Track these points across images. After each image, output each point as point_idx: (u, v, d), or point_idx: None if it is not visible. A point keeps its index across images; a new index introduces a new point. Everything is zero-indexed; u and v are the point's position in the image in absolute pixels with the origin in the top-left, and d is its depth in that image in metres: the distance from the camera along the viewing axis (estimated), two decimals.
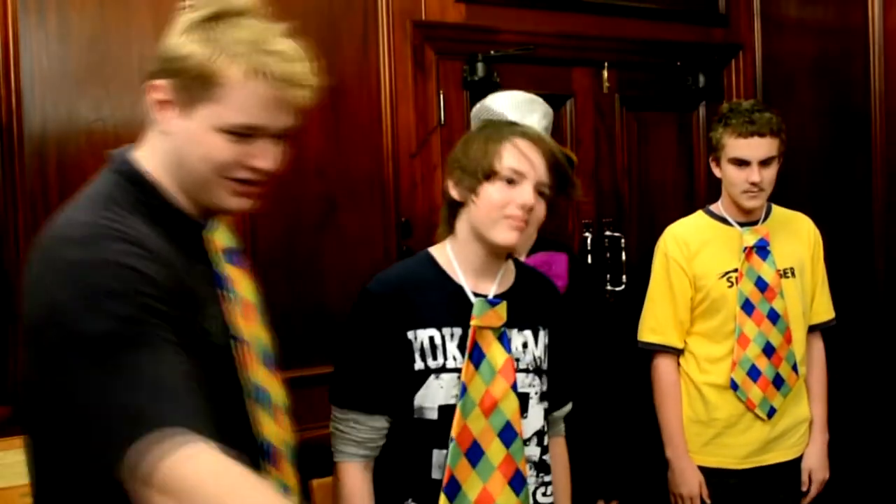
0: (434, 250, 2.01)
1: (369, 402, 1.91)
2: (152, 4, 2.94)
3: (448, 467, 1.83)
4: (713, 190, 3.16)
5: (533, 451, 1.96)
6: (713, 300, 2.79)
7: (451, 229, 2.00)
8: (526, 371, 1.95)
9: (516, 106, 2.50)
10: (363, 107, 3.25)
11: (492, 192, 1.87)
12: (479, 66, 3.47)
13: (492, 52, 3.49)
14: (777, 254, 2.81)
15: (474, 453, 1.84)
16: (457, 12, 3.50)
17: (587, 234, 3.72)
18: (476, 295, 1.92)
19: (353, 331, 1.95)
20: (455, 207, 1.98)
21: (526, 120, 2.45)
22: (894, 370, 3.66)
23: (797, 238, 2.91)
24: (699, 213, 2.96)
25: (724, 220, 2.87)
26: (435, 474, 1.87)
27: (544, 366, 2.01)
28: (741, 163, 2.76)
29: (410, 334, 1.88)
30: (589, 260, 3.70)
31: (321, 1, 3.21)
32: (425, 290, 1.92)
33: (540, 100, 2.58)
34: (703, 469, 2.81)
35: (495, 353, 1.88)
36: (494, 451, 1.85)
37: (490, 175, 1.87)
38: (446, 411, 1.86)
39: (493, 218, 1.87)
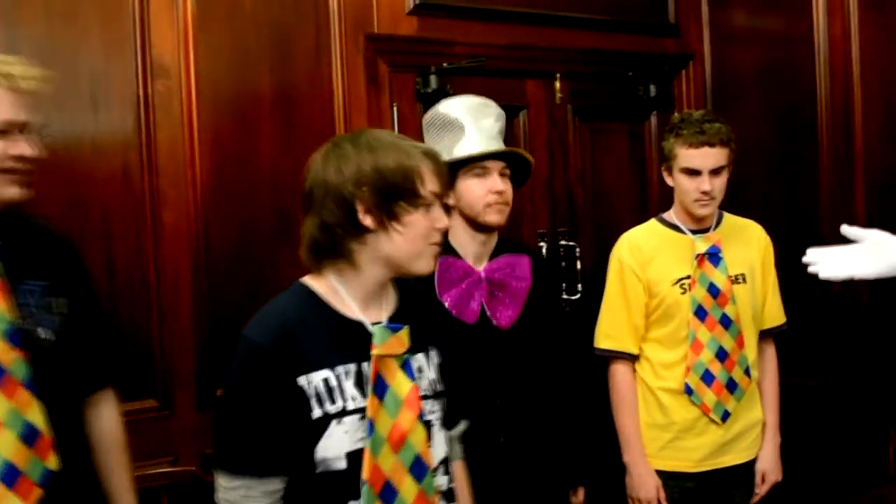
0: (311, 281, 1.83)
1: (262, 465, 1.70)
2: (102, 20, 2.93)
3: None
4: (665, 198, 3.20)
5: (441, 480, 1.83)
6: (667, 306, 2.82)
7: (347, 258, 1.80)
8: (426, 397, 1.81)
9: (470, 110, 2.52)
10: (316, 120, 3.26)
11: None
12: (432, 78, 3.48)
13: (444, 64, 3.51)
14: (729, 260, 2.85)
15: (388, 494, 1.71)
16: (409, 25, 3.52)
17: (542, 243, 3.75)
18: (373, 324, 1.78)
19: (239, 387, 1.73)
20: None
21: (480, 123, 2.51)
22: (844, 373, 3.72)
23: (748, 244, 2.95)
24: (652, 221, 2.99)
25: (676, 228, 2.91)
26: None
27: (440, 388, 1.88)
28: (692, 172, 2.79)
29: (302, 381, 1.69)
30: None
31: (273, 15, 3.21)
32: (310, 328, 1.74)
33: (492, 103, 2.61)
34: (660, 473, 2.83)
35: (399, 383, 1.74)
36: (407, 488, 1.73)
37: None
38: (355, 457, 1.70)
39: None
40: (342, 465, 1.69)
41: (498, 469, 2.48)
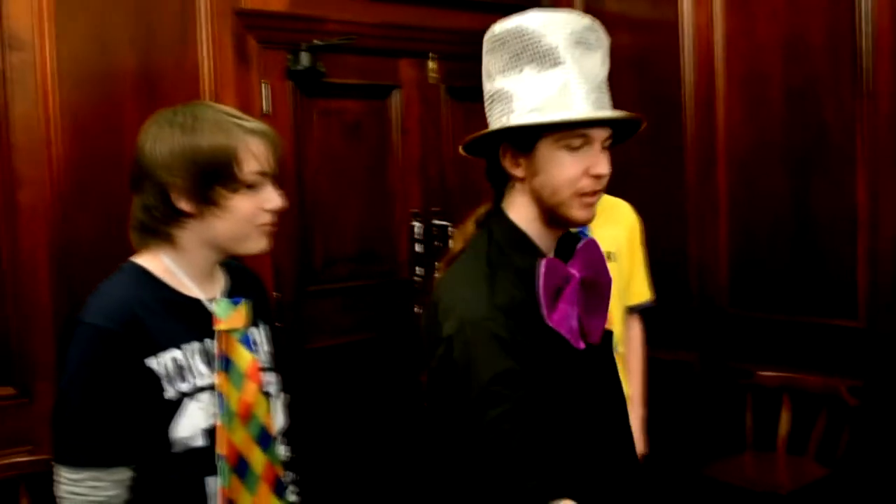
0: (144, 261, 1.74)
1: (111, 455, 1.63)
2: None
3: (221, 489, 1.68)
4: None
5: (281, 450, 1.83)
6: None
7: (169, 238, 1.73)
8: (264, 369, 1.81)
9: (572, 40, 1.61)
10: (182, 97, 3.15)
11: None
12: (304, 55, 3.43)
13: (316, 41, 3.46)
14: (597, 238, 2.87)
15: (242, 467, 1.71)
16: (280, 0, 3.45)
17: (415, 223, 3.75)
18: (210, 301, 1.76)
19: (84, 375, 1.62)
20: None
21: (585, 64, 1.63)
22: (709, 348, 3.86)
23: (616, 223, 3.00)
24: None
25: None
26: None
27: (274, 360, 1.89)
28: None
29: (151, 362, 1.64)
30: (418, 249, 3.74)
31: None
32: (152, 308, 1.67)
33: (598, 25, 1.68)
34: None
35: (241, 356, 1.74)
36: (256, 460, 1.74)
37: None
38: (212, 433, 1.68)
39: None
40: (200, 442, 1.67)
41: None
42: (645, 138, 4.07)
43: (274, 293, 3.43)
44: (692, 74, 3.87)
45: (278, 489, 1.79)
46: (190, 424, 1.67)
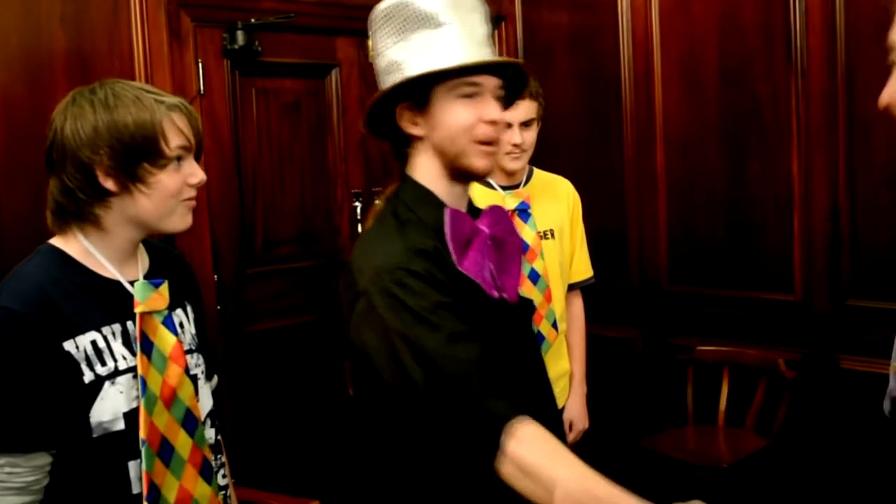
0: (61, 243, 1.72)
1: (28, 440, 1.60)
2: None
3: (145, 473, 1.65)
4: None
5: (209, 433, 1.81)
6: None
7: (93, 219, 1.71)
8: (190, 352, 1.79)
9: (452, 4, 1.69)
10: (115, 76, 3.06)
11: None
12: (240, 34, 3.38)
13: (252, 20, 3.41)
14: (537, 216, 2.90)
15: (165, 451, 1.69)
16: None
17: (357, 203, 3.73)
18: (130, 283, 1.73)
19: None
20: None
21: (467, 20, 1.71)
22: (649, 324, 3.91)
23: (557, 200, 3.01)
24: None
25: (486, 184, 2.93)
26: (136, 488, 1.67)
27: (200, 342, 1.87)
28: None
29: (68, 346, 1.62)
30: (360, 229, 3.72)
31: None
32: (68, 291, 1.65)
33: None
34: None
35: (163, 339, 1.71)
36: (182, 443, 1.71)
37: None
38: (132, 417, 1.66)
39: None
40: (120, 426, 1.65)
41: None
42: (583, 115, 4.12)
43: (214, 275, 3.38)
44: (630, 53, 3.89)
45: (206, 473, 1.76)
46: (109, 408, 1.64)
